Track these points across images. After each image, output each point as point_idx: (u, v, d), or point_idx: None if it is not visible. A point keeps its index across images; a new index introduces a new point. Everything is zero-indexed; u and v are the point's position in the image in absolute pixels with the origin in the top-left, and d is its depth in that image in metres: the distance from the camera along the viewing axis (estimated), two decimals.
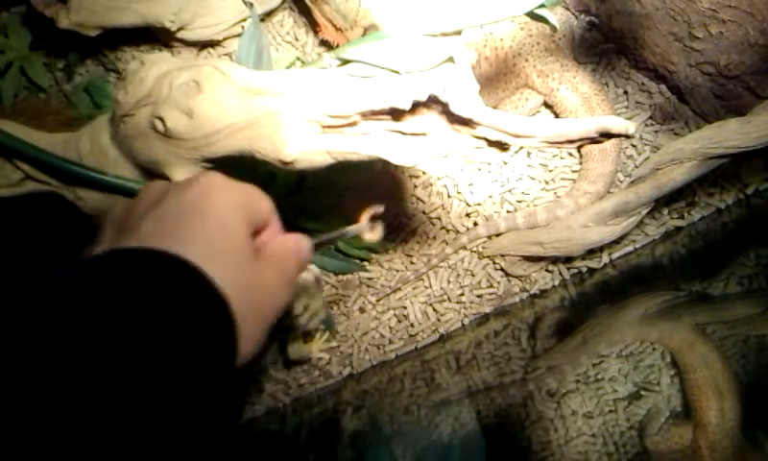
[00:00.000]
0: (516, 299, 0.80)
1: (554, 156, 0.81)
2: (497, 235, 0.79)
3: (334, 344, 0.79)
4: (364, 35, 0.65)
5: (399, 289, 0.79)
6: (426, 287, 0.80)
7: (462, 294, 0.79)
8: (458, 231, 0.79)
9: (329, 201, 0.75)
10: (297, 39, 0.83)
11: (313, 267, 0.64)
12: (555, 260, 0.79)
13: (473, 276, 0.80)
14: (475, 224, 0.79)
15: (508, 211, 0.79)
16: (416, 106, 0.44)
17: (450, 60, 0.50)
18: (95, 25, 0.72)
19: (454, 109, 0.44)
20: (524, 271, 0.79)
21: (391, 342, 0.79)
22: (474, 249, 0.80)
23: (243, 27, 0.78)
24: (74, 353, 0.25)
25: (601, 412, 0.64)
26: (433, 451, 0.67)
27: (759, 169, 0.81)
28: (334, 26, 0.75)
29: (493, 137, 0.46)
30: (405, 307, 0.79)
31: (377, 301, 0.79)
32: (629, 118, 0.80)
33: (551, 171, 0.80)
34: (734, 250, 0.79)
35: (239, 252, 0.35)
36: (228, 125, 0.47)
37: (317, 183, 0.74)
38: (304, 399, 0.78)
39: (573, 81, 0.76)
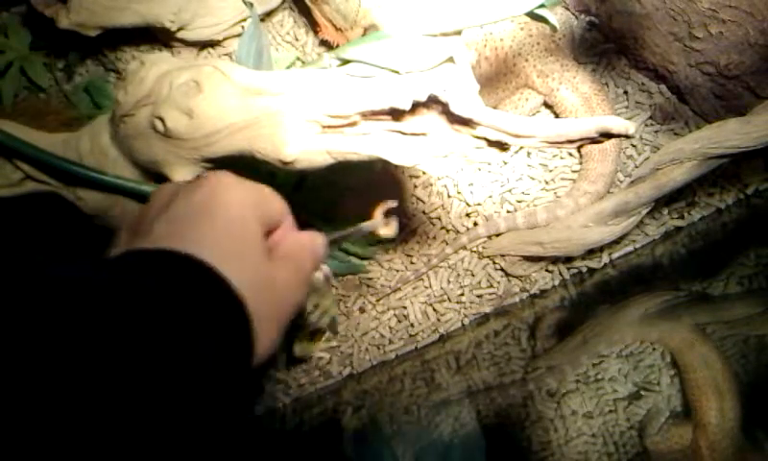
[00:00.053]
0: (516, 299, 0.80)
1: (554, 156, 0.81)
2: (497, 235, 0.79)
3: (334, 344, 0.79)
4: (364, 35, 0.65)
5: (399, 289, 0.79)
6: (426, 287, 0.80)
7: (462, 294, 0.79)
8: (458, 231, 0.79)
9: (329, 201, 0.75)
10: (297, 39, 0.83)
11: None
12: (555, 260, 0.79)
13: (473, 276, 0.80)
14: (475, 224, 0.79)
15: (508, 211, 0.79)
16: (416, 106, 0.44)
17: (450, 60, 0.50)
18: (95, 25, 0.72)
19: (454, 109, 0.44)
20: (524, 271, 0.79)
21: (391, 342, 0.79)
22: (474, 249, 0.80)
23: (243, 27, 0.78)
24: (90, 355, 0.25)
25: (601, 412, 0.64)
26: (433, 451, 0.67)
27: (759, 169, 0.81)
28: (334, 26, 0.75)
29: (493, 137, 0.46)
30: (405, 307, 0.79)
31: (377, 301, 0.79)
32: (629, 118, 0.80)
33: (551, 171, 0.80)
34: (734, 250, 0.79)
35: (252, 251, 0.35)
36: (228, 125, 0.47)
37: (317, 183, 0.74)
38: (304, 399, 0.78)
39: (573, 81, 0.76)
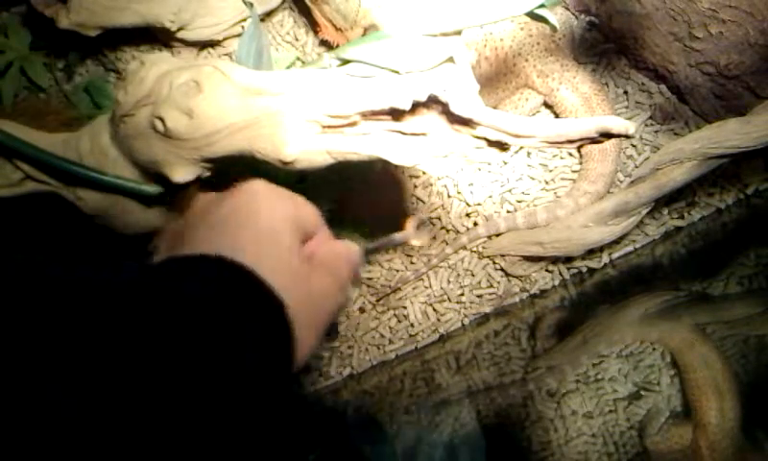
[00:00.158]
0: (516, 299, 0.80)
1: (554, 156, 0.81)
2: (497, 235, 0.79)
3: (335, 343, 0.79)
4: (364, 35, 0.65)
5: (399, 289, 0.79)
6: (426, 287, 0.80)
7: (462, 294, 0.79)
8: (458, 231, 0.79)
9: (330, 201, 0.75)
10: (297, 39, 0.83)
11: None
12: (555, 260, 0.79)
13: (473, 276, 0.80)
14: (475, 224, 0.79)
15: (508, 211, 0.79)
16: (416, 106, 0.44)
17: (450, 60, 0.50)
18: (95, 25, 0.72)
19: (454, 109, 0.44)
20: (524, 271, 0.79)
21: (391, 342, 0.79)
22: (474, 249, 0.80)
23: (243, 27, 0.78)
24: (140, 360, 0.26)
25: (601, 412, 0.64)
26: (433, 451, 0.67)
27: (759, 169, 0.81)
28: (334, 26, 0.75)
29: (493, 137, 0.46)
30: (405, 307, 0.79)
31: (377, 301, 0.79)
32: (629, 118, 0.80)
33: (551, 171, 0.80)
34: (734, 250, 0.79)
35: (290, 258, 0.35)
36: (228, 125, 0.47)
37: (317, 183, 0.74)
38: (304, 399, 0.78)
39: (573, 81, 0.76)
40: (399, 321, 0.80)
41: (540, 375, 0.72)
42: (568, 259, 0.80)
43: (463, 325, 0.79)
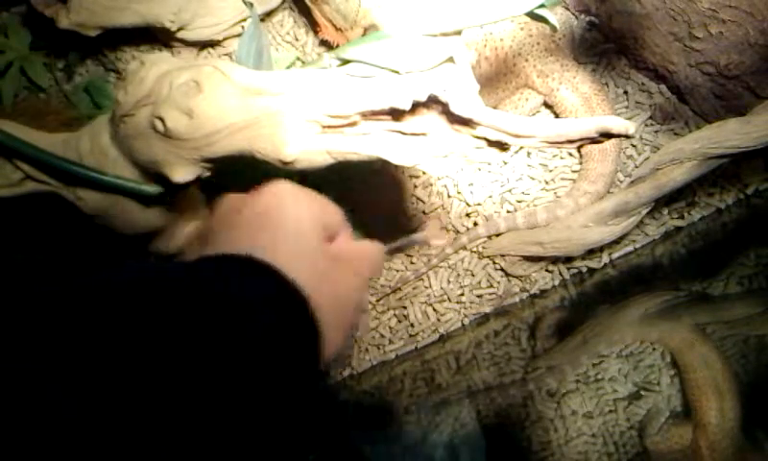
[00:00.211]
0: (516, 299, 0.80)
1: (554, 156, 0.81)
2: (497, 235, 0.79)
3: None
4: (364, 35, 0.65)
5: (399, 289, 0.79)
6: (426, 287, 0.80)
7: (462, 294, 0.79)
8: (458, 231, 0.79)
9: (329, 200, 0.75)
10: (297, 39, 0.83)
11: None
12: (555, 260, 0.79)
13: (473, 276, 0.80)
14: (475, 224, 0.79)
15: (508, 211, 0.79)
16: (416, 106, 0.44)
17: (450, 60, 0.50)
18: (95, 25, 0.72)
19: (454, 109, 0.44)
20: (524, 271, 0.79)
21: (391, 342, 0.79)
22: (474, 249, 0.80)
23: (243, 27, 0.78)
24: (175, 358, 0.27)
25: (601, 412, 0.64)
26: (433, 451, 0.67)
27: (759, 169, 0.81)
28: (334, 26, 0.75)
29: (493, 137, 0.46)
30: (405, 307, 0.79)
31: (377, 301, 0.79)
32: (629, 118, 0.80)
33: (551, 171, 0.80)
34: (734, 250, 0.79)
35: (316, 258, 0.36)
36: (228, 125, 0.47)
37: (317, 183, 0.74)
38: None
39: (573, 81, 0.76)
40: (399, 321, 0.80)
41: (539, 375, 0.72)
42: (568, 259, 0.80)
43: (463, 325, 0.79)
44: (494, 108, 0.66)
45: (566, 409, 0.65)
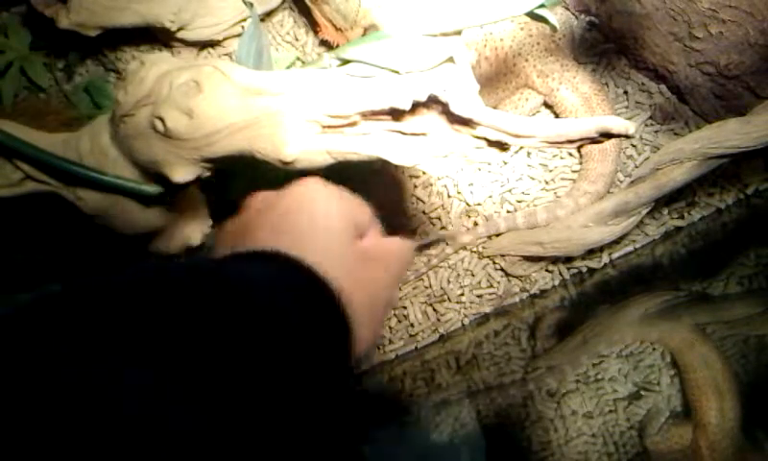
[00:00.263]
0: (516, 299, 0.80)
1: (554, 156, 0.81)
2: (497, 235, 0.79)
3: None
4: (364, 35, 0.65)
5: (400, 289, 0.79)
6: (426, 287, 0.80)
7: (462, 294, 0.79)
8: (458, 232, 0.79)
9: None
10: (297, 39, 0.83)
11: None
12: (555, 260, 0.79)
13: (473, 276, 0.80)
14: (475, 224, 0.79)
15: (508, 211, 0.79)
16: (416, 106, 0.44)
17: (450, 60, 0.50)
18: (95, 25, 0.72)
19: (454, 109, 0.44)
20: (524, 271, 0.79)
21: (391, 342, 0.79)
22: (474, 249, 0.80)
23: (243, 27, 0.78)
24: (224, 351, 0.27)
25: (601, 412, 0.64)
26: (433, 451, 0.67)
27: (759, 169, 0.81)
28: (334, 26, 0.75)
29: (493, 137, 0.46)
30: (405, 307, 0.79)
31: None
32: (629, 118, 0.80)
33: (551, 171, 0.80)
34: (734, 250, 0.79)
35: (347, 255, 0.36)
36: (228, 125, 0.47)
37: None
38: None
39: (573, 81, 0.76)
40: (399, 321, 0.80)
41: (539, 375, 0.72)
42: (568, 259, 0.80)
43: (463, 325, 0.79)
44: (494, 108, 0.66)
45: (566, 409, 0.65)
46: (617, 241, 0.78)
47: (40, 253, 0.69)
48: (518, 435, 0.66)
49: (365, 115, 0.46)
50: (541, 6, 0.48)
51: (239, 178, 0.73)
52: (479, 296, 0.80)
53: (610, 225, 0.75)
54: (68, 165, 0.52)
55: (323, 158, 0.48)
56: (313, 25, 0.79)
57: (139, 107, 0.49)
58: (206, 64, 0.49)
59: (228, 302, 0.29)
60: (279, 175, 0.72)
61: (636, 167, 0.79)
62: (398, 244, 0.42)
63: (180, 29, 0.75)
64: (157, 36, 0.78)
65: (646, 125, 0.81)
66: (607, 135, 0.45)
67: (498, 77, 0.78)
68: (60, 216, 0.57)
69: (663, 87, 0.81)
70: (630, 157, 0.81)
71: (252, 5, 0.76)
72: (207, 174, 0.52)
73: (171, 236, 0.61)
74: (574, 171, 0.80)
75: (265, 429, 0.27)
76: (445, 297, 0.79)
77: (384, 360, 0.79)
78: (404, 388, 0.76)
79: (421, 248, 0.43)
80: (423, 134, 0.47)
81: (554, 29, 0.53)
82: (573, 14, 0.82)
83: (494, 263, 0.80)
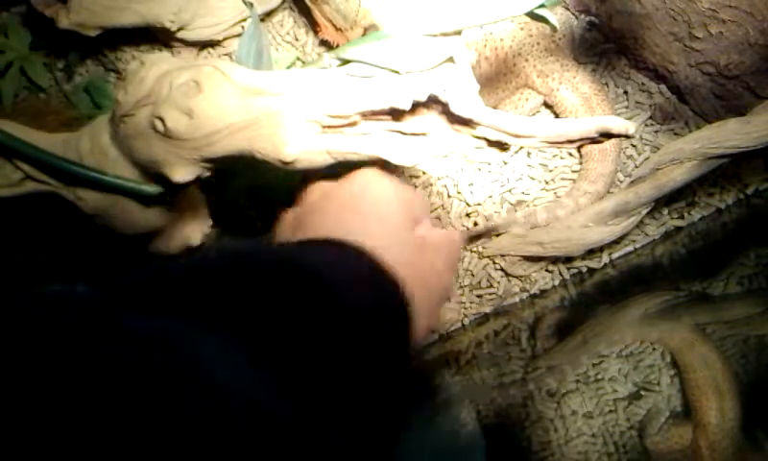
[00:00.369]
0: (516, 299, 0.80)
1: (554, 156, 0.81)
2: (497, 235, 0.79)
3: None
4: (364, 35, 0.65)
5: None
6: None
7: (462, 294, 0.79)
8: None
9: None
10: (297, 39, 0.83)
11: None
12: (555, 260, 0.79)
13: (473, 276, 0.80)
14: (475, 224, 0.79)
15: (508, 211, 0.79)
16: (416, 106, 0.44)
17: (450, 60, 0.50)
18: (95, 25, 0.72)
19: (454, 109, 0.44)
20: (524, 271, 0.79)
21: None
22: (474, 249, 0.80)
23: (243, 27, 0.78)
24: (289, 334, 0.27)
25: (601, 412, 0.64)
26: (433, 451, 0.67)
27: (759, 169, 0.81)
28: (334, 26, 0.75)
29: (493, 137, 0.46)
30: None
31: None
32: (629, 118, 0.80)
33: (551, 171, 0.80)
34: (734, 250, 0.79)
35: (406, 242, 0.37)
36: (228, 125, 0.47)
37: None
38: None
39: (573, 81, 0.76)
40: None
41: (539, 375, 0.72)
42: (568, 259, 0.80)
43: (463, 325, 0.79)
44: (494, 108, 0.66)
45: (566, 409, 0.65)
46: (617, 241, 0.78)
47: (40, 253, 0.69)
48: (518, 435, 0.66)
49: (365, 115, 0.46)
50: (541, 6, 0.48)
51: (239, 178, 0.73)
52: (479, 296, 0.79)
53: (610, 225, 0.75)
54: (68, 165, 0.52)
55: (323, 158, 0.48)
56: (313, 25, 0.79)
57: (139, 107, 0.49)
58: (206, 64, 0.49)
59: (308, 289, 0.29)
60: (279, 175, 0.72)
61: (636, 167, 0.79)
62: (452, 233, 0.42)
63: (180, 29, 0.75)
64: (157, 36, 0.78)
65: (646, 125, 0.81)
66: (607, 135, 0.45)
67: (498, 77, 0.78)
68: (60, 216, 0.57)
69: (663, 87, 0.81)
70: (630, 157, 0.81)
71: (251, 5, 0.76)
72: (207, 174, 0.51)
73: (171, 236, 0.61)
74: (574, 171, 0.80)
75: (334, 408, 0.27)
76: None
77: None
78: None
79: (471, 239, 0.44)
80: (423, 134, 0.47)
81: (554, 29, 0.53)
82: (573, 14, 0.82)
83: (494, 263, 0.80)
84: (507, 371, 0.74)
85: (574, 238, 0.75)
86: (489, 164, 0.80)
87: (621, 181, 0.80)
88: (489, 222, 0.45)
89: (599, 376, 0.68)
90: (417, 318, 0.34)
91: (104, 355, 0.21)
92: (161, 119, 0.47)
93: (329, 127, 0.47)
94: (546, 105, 0.80)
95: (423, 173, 0.79)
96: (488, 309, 0.80)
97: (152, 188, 0.54)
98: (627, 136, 0.45)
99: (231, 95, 0.47)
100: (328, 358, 0.28)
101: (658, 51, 0.77)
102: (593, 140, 0.46)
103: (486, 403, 0.71)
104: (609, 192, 0.77)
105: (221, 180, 0.66)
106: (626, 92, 0.82)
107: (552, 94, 0.77)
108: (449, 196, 0.79)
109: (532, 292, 0.80)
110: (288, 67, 0.80)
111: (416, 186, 0.80)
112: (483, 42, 0.76)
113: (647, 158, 0.79)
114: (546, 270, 0.80)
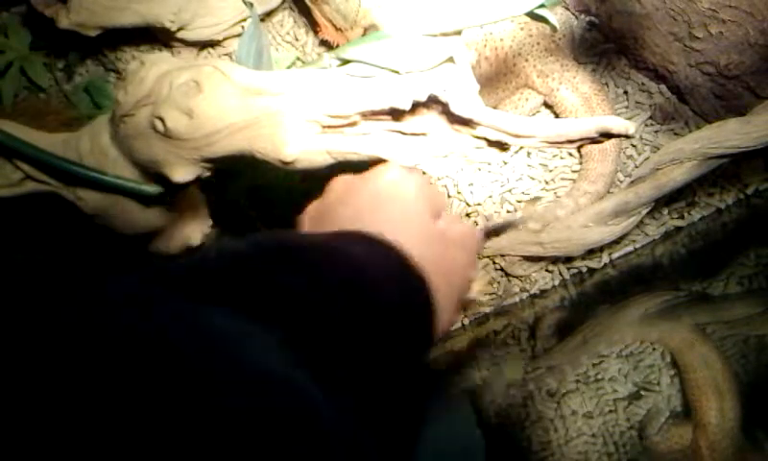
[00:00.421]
0: (516, 299, 0.80)
1: (554, 156, 0.81)
2: (497, 235, 0.79)
3: None
4: (364, 35, 0.65)
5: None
6: None
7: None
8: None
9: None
10: (297, 39, 0.82)
11: None
12: (555, 260, 0.79)
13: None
14: (475, 224, 0.79)
15: (508, 211, 0.79)
16: (416, 106, 0.44)
17: (450, 60, 0.50)
18: (95, 25, 0.72)
19: (454, 109, 0.44)
20: (524, 271, 0.79)
21: None
22: None
23: (243, 27, 0.78)
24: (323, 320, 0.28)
25: (601, 412, 0.64)
26: (433, 451, 0.67)
27: (759, 169, 0.81)
28: (334, 26, 0.75)
29: (493, 137, 0.46)
30: None
31: None
32: (629, 118, 0.80)
33: (551, 171, 0.80)
34: (734, 250, 0.79)
35: (429, 235, 0.38)
36: (228, 125, 0.47)
37: (317, 183, 0.74)
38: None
39: (573, 81, 0.76)
40: None
41: (539, 375, 0.72)
42: (568, 259, 0.80)
43: (463, 325, 0.79)
44: (494, 108, 0.66)
45: (566, 409, 0.65)
46: (617, 241, 0.78)
47: (40, 253, 0.69)
48: (518, 435, 0.66)
49: (365, 115, 0.46)
50: (541, 6, 0.48)
51: (239, 178, 0.73)
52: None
53: (610, 225, 0.75)
54: (68, 165, 0.52)
55: (323, 158, 0.48)
56: (313, 25, 0.79)
57: (139, 107, 0.49)
58: (206, 64, 0.49)
59: (342, 285, 0.29)
60: (279, 175, 0.72)
61: (636, 167, 0.79)
62: (472, 227, 0.43)
63: (180, 29, 0.75)
64: (157, 36, 0.78)
65: (646, 125, 0.81)
66: (607, 135, 0.45)
67: (498, 77, 0.78)
68: (60, 216, 0.57)
69: (663, 87, 0.81)
70: (630, 157, 0.81)
71: (251, 5, 0.76)
72: (207, 174, 0.51)
73: (171, 236, 0.61)
74: (574, 171, 0.80)
75: (366, 395, 0.28)
76: None
77: None
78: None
79: (491, 233, 0.44)
80: (423, 134, 0.47)
81: (554, 29, 0.53)
82: (573, 14, 0.82)
83: (494, 263, 0.80)
84: (507, 370, 0.75)
85: (574, 238, 0.75)
86: (489, 164, 0.80)
87: (621, 182, 0.80)
88: (509, 215, 0.45)
89: (599, 376, 0.68)
90: (440, 312, 0.34)
91: (211, 367, 0.22)
92: (161, 119, 0.47)
93: (329, 127, 0.47)
94: (546, 105, 0.80)
95: (423, 173, 0.79)
96: (488, 309, 0.80)
97: (152, 188, 0.54)
98: (627, 136, 0.45)
99: (231, 95, 0.47)
100: (358, 353, 0.28)
101: (658, 51, 0.77)
102: (593, 140, 0.46)
103: (486, 403, 0.71)
104: (609, 192, 0.77)
105: (221, 180, 0.66)
106: (626, 92, 0.82)
107: (552, 94, 0.77)
108: (449, 196, 0.79)
109: (532, 292, 0.80)
110: (288, 67, 0.80)
111: None
112: (483, 42, 0.76)
113: (647, 158, 0.79)
114: (546, 270, 0.80)
